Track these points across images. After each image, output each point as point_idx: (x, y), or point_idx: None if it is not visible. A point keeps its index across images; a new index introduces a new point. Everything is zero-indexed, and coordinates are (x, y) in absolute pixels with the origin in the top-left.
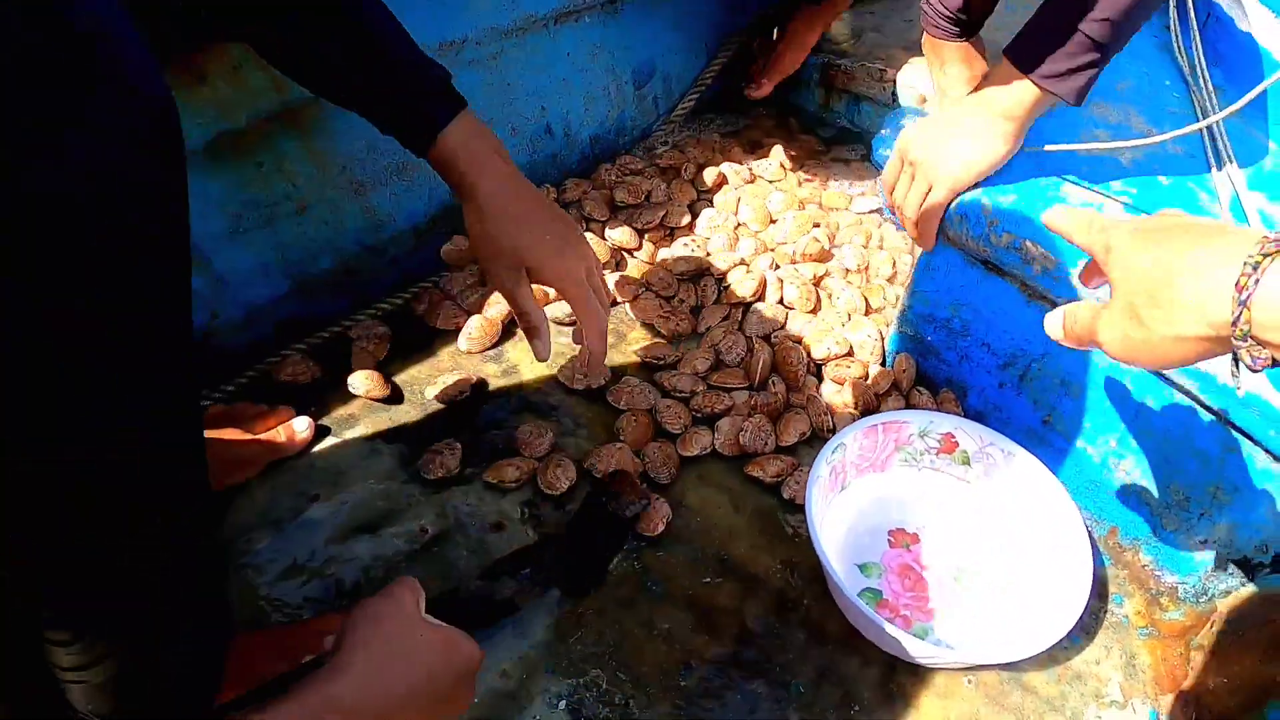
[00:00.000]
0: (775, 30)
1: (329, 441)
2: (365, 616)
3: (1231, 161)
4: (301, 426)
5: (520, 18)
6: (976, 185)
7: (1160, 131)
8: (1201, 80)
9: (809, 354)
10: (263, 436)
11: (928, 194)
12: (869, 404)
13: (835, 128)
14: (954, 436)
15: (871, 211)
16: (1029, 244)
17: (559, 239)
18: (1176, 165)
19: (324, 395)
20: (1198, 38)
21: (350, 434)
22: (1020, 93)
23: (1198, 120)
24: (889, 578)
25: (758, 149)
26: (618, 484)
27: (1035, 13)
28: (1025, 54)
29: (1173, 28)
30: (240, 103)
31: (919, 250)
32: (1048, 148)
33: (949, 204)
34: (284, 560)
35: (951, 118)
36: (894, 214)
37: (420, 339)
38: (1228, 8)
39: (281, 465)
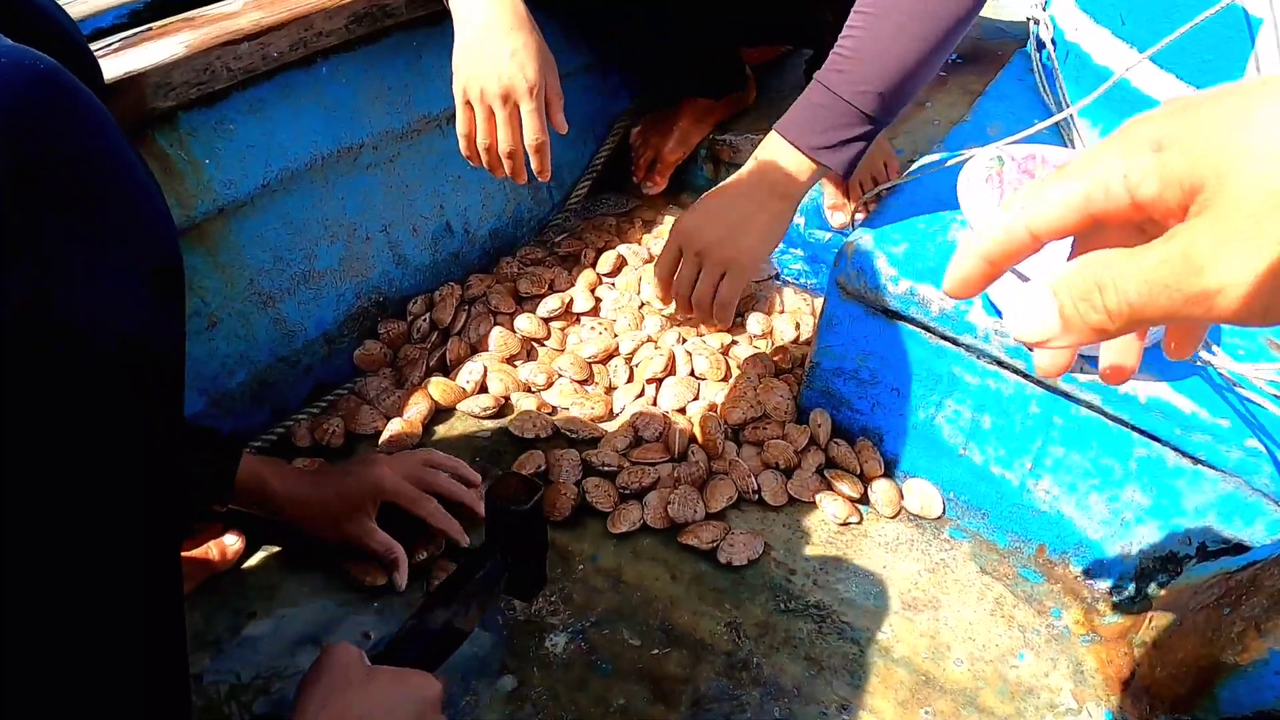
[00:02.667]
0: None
1: (259, 555)
2: (307, 684)
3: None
4: (231, 541)
5: (413, 119)
6: (865, 236)
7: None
8: (1063, 103)
9: (725, 421)
10: (193, 554)
11: (719, 281)
12: (789, 461)
13: None
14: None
15: (768, 279)
16: (924, 288)
17: (363, 471)
18: None
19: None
20: (1060, 74)
21: (279, 546)
22: (795, 167)
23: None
24: None
25: (653, 227)
26: (503, 486)
27: (806, 89)
28: (798, 128)
29: (1036, 70)
30: None
31: (818, 307)
32: (918, 163)
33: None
34: (227, 679)
35: (729, 200)
36: (671, 305)
37: (339, 453)
38: (1084, 43)
39: (214, 582)
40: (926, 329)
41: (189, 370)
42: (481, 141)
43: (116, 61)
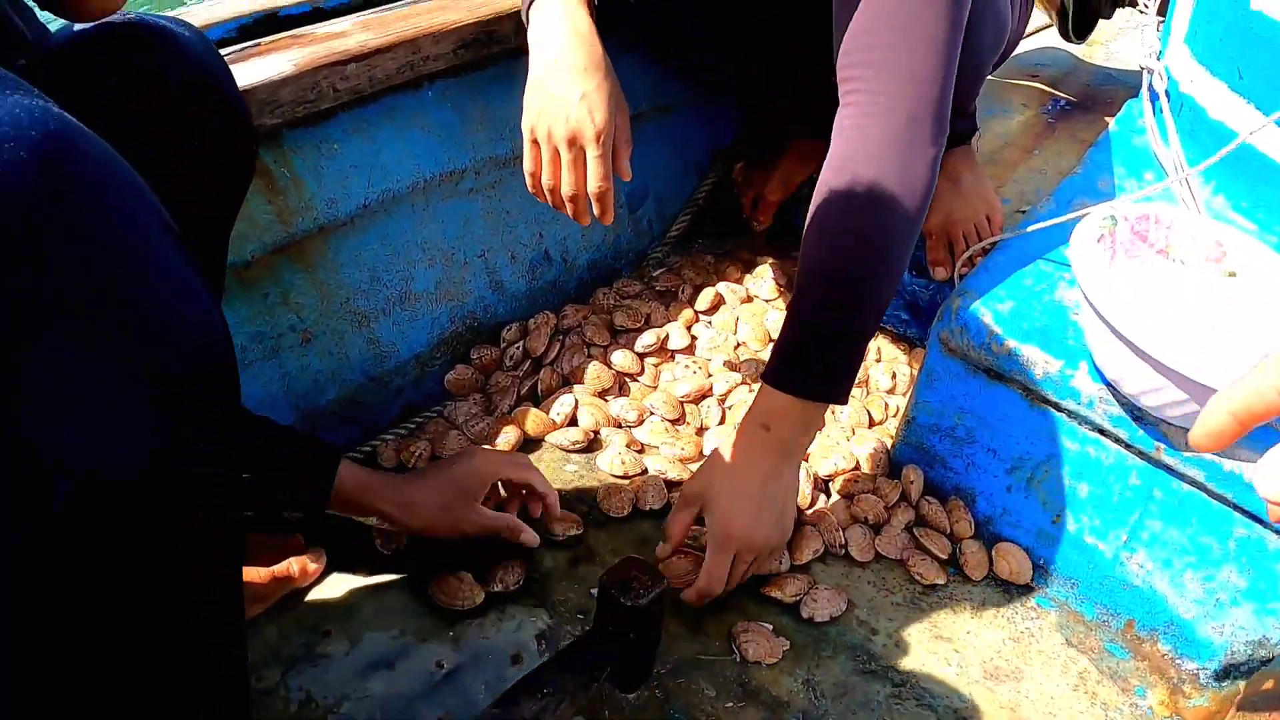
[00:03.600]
0: (763, 154)
1: (340, 574)
2: None
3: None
4: (313, 560)
5: (517, 146)
6: (970, 292)
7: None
8: (1176, 164)
9: (815, 471)
10: (275, 570)
11: (753, 561)
12: (878, 517)
13: None
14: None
15: None
16: (1028, 349)
17: (468, 459)
18: None
19: (333, 526)
20: (1173, 128)
21: (361, 565)
22: (802, 418)
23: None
24: None
25: (752, 266)
26: (623, 572)
27: (782, 334)
28: (794, 378)
29: (1148, 121)
30: (246, 237)
31: (915, 358)
32: (1030, 228)
33: None
34: (297, 697)
35: (744, 479)
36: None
37: None
38: (1199, 96)
39: (293, 599)
40: (1028, 391)
41: (281, 385)
42: (546, 182)
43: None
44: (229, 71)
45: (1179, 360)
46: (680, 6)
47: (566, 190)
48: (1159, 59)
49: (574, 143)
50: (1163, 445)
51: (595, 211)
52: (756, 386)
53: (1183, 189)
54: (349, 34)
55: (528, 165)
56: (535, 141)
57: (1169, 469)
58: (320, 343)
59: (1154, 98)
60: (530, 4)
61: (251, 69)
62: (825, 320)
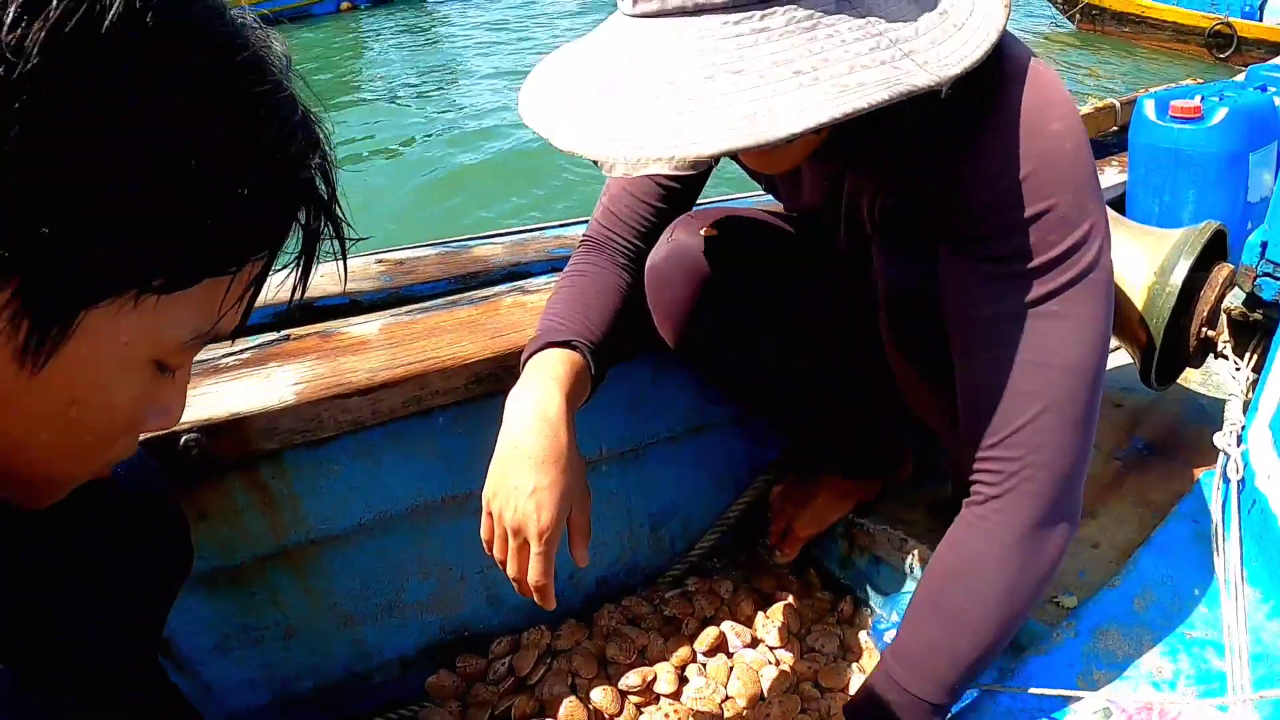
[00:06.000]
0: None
1: None
2: None
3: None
4: None
5: None
6: None
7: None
8: (1234, 593)
9: None
10: None
11: None
12: None
13: (854, 583)
14: None
15: None
16: None
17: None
18: None
19: None
20: (1238, 527)
21: None
22: None
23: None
24: None
25: (769, 604)
26: None
27: (874, 675)
28: None
29: (1214, 511)
30: (238, 544)
31: None
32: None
33: None
34: None
35: None
36: None
37: None
38: (1273, 497)
39: None
40: None
41: (261, 671)
42: (496, 555)
43: (233, 388)
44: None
45: None
46: (734, 343)
47: (510, 573)
48: (1239, 443)
49: (519, 533)
50: None
51: (535, 599)
52: None
53: (1233, 605)
54: (368, 346)
55: (483, 533)
56: (489, 514)
57: None
58: (303, 639)
59: (1225, 481)
60: (525, 361)
61: (260, 388)
62: (913, 687)
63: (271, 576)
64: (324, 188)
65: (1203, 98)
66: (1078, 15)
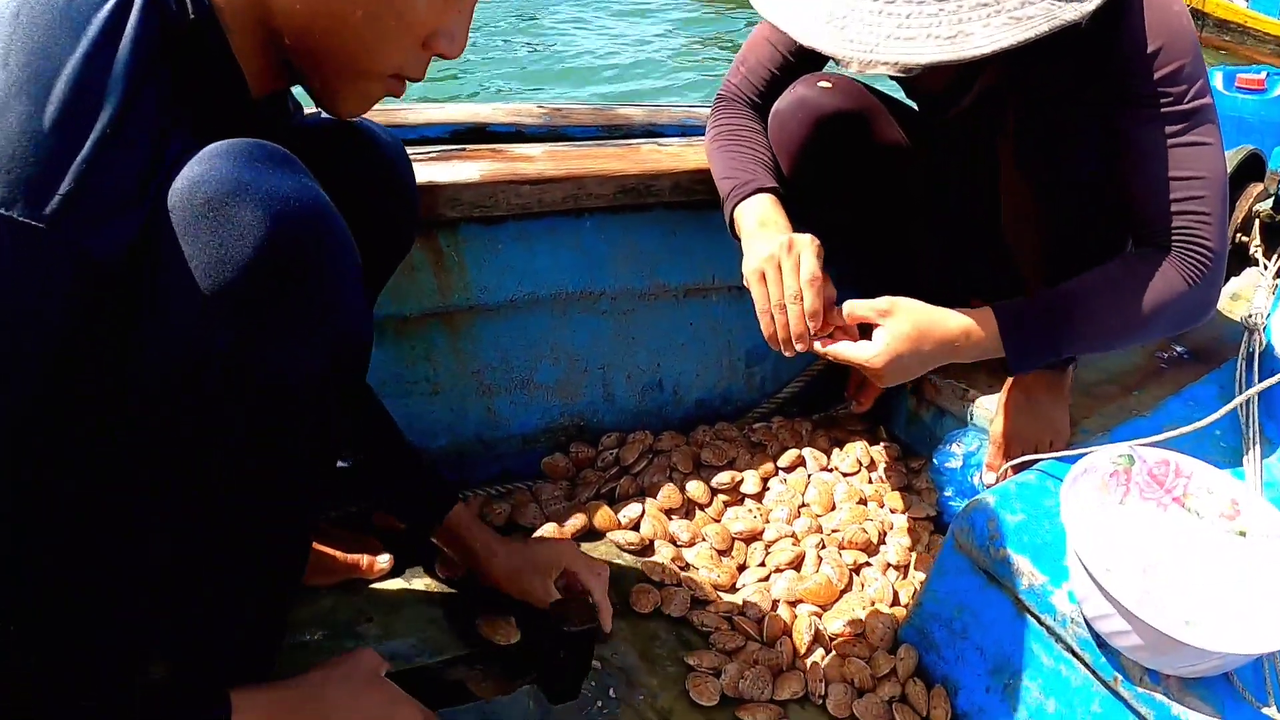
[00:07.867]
0: None
1: (398, 581)
2: (325, 664)
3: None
4: (382, 560)
5: (654, 284)
6: (990, 498)
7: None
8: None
9: (823, 627)
10: (348, 556)
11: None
12: (864, 683)
13: (919, 435)
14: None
15: (925, 518)
16: (1021, 559)
17: (553, 544)
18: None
19: (407, 546)
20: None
21: (418, 582)
22: (989, 345)
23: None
24: None
25: (842, 444)
26: (567, 606)
27: (1036, 297)
28: (1009, 326)
29: (1238, 380)
30: (410, 296)
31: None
32: (1074, 450)
33: None
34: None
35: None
36: None
37: (499, 532)
38: None
39: (354, 584)
40: (1017, 599)
41: (402, 422)
42: (774, 299)
43: (429, 168)
44: (413, 176)
45: (1147, 609)
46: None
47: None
48: (1267, 318)
49: (791, 249)
50: (1119, 676)
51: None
52: (803, 544)
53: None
54: (535, 160)
55: (759, 302)
56: (763, 282)
57: (1126, 702)
58: (445, 398)
59: (1249, 358)
60: (737, 202)
61: (450, 169)
62: (1053, 332)
63: (431, 333)
64: None
65: (1268, 74)
66: None
